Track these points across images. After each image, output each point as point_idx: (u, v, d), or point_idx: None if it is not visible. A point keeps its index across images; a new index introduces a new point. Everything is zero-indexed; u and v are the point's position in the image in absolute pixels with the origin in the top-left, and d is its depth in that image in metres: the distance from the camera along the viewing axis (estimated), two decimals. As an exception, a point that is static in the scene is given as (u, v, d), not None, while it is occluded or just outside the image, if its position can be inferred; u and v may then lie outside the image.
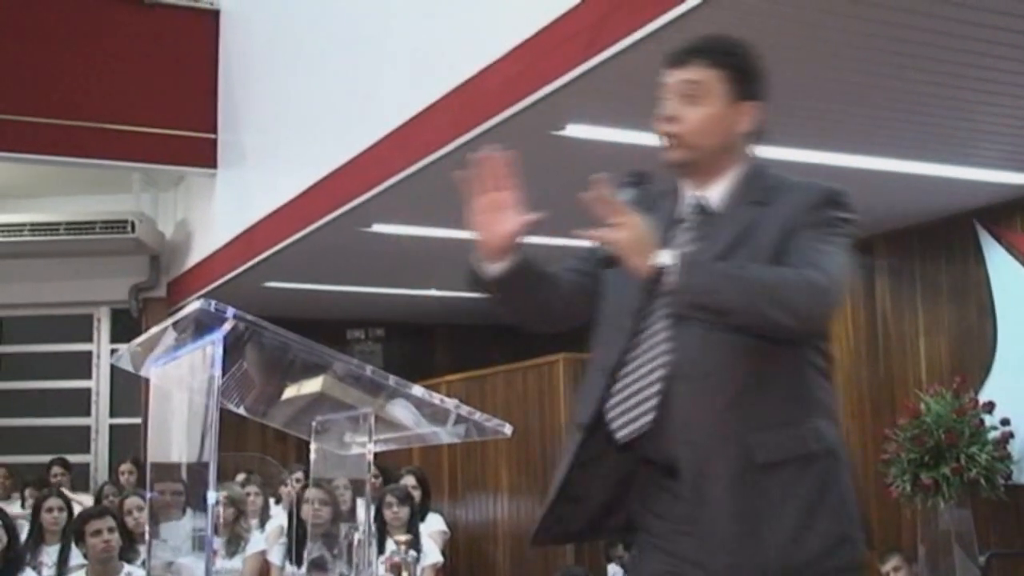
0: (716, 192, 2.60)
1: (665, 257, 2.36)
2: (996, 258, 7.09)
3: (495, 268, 2.54)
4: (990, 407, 6.77)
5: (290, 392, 2.87)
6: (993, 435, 6.68)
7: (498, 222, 2.50)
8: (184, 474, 2.73)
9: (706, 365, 2.44)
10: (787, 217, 2.49)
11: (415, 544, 6.34)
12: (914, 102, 5.20)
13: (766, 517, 2.40)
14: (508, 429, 2.83)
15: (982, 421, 6.71)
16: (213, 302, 2.36)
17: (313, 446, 3.05)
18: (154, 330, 2.73)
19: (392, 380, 2.70)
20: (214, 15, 9.96)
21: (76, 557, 6.40)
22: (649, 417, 2.49)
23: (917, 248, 7.46)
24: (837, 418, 2.59)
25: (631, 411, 2.52)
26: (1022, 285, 6.97)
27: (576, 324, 2.77)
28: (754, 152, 2.64)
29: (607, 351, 2.60)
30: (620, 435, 2.53)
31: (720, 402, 2.43)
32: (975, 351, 7.07)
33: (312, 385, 2.78)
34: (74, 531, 6.23)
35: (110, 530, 5.83)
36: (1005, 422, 6.71)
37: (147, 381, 3.09)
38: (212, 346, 2.37)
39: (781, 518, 2.40)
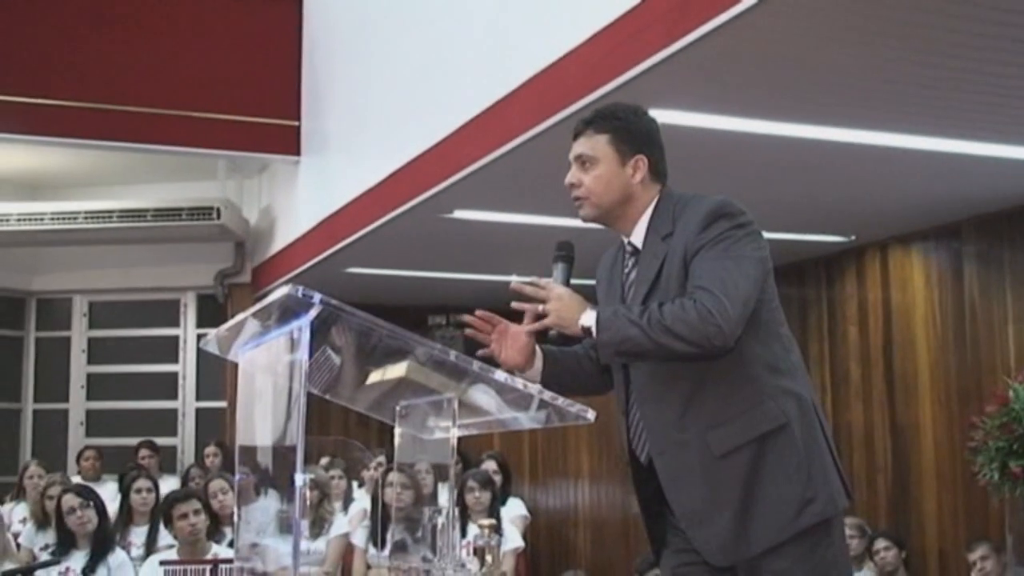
0: (638, 234, 3.05)
1: (588, 319, 2.83)
2: (1088, 243, 6.95)
3: (534, 375, 3.07)
4: (1081, 394, 6.64)
5: (375, 377, 2.89)
6: (1083, 423, 6.54)
7: (512, 344, 3.05)
8: (270, 457, 2.76)
9: (656, 389, 2.96)
10: (683, 243, 2.88)
11: (498, 528, 6.35)
12: (1006, 87, 5.08)
13: (732, 499, 2.81)
14: (591, 415, 2.91)
15: (1072, 409, 6.58)
16: (300, 288, 2.38)
17: (397, 431, 3.07)
18: (241, 315, 2.76)
19: (476, 365, 2.72)
20: (297, 2, 10.04)
21: (165, 537, 6.53)
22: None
23: (1006, 233, 7.28)
24: (798, 389, 2.94)
25: (638, 439, 3.06)
26: (1116, 271, 6.82)
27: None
28: (663, 188, 3.05)
29: (619, 396, 3.14)
30: (643, 459, 3.05)
31: (673, 414, 2.92)
32: (1066, 338, 6.93)
33: (396, 370, 2.81)
34: (162, 513, 6.35)
35: (195, 512, 5.94)
36: (1096, 410, 6.57)
37: (234, 365, 3.13)
38: (299, 331, 2.39)
39: (745, 497, 2.81)
